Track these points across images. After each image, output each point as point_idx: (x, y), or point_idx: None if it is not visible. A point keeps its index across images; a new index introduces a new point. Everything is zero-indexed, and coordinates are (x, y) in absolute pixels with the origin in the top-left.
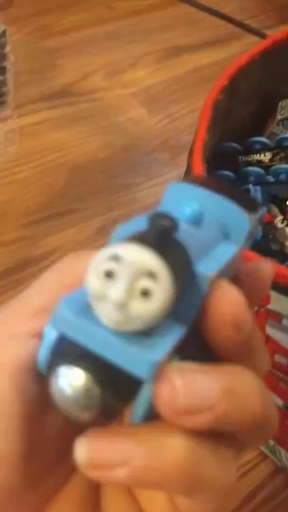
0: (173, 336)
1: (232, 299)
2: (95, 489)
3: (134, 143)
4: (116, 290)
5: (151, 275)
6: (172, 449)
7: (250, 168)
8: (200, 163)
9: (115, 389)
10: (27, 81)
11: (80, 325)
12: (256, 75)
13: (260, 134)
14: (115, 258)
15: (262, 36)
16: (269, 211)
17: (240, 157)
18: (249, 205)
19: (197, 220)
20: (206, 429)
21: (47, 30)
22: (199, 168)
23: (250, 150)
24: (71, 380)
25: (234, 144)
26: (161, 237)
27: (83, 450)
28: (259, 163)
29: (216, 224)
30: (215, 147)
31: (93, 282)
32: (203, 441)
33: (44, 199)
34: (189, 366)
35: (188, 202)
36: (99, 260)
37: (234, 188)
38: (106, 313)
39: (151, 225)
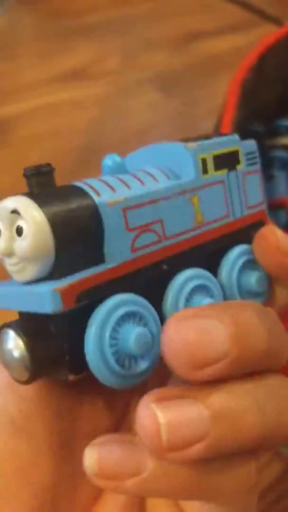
0: (85, 272)
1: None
2: None
3: (149, 128)
4: (0, 243)
5: (18, 214)
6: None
7: (275, 152)
8: None
9: (47, 346)
10: (40, 62)
11: None
12: (282, 56)
13: (284, 118)
14: None
15: (280, 24)
16: None
17: (265, 140)
18: (195, 137)
19: (118, 169)
20: (197, 459)
21: (62, 11)
22: None
23: (275, 134)
24: (2, 341)
25: (258, 127)
26: (31, 182)
27: (93, 460)
28: (284, 147)
29: (158, 170)
30: (239, 128)
31: None
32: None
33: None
34: (171, 392)
35: (113, 155)
36: None
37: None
38: (10, 270)
39: (24, 175)
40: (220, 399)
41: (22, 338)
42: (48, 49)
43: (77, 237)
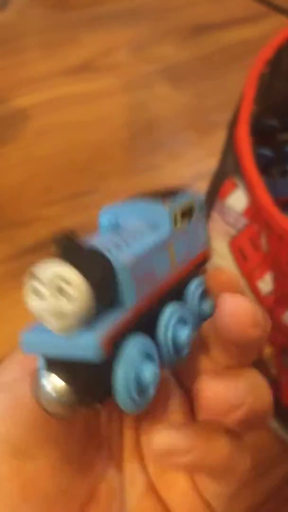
0: (111, 319)
1: None
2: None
3: (159, 122)
4: (43, 303)
5: (64, 280)
6: (220, 444)
7: None
8: (246, 135)
9: (84, 383)
10: (47, 54)
11: (36, 341)
12: None
13: None
14: (34, 277)
15: None
16: None
17: (280, 135)
18: (165, 195)
19: (113, 226)
20: (238, 423)
21: (70, 3)
22: (245, 141)
23: None
24: (44, 382)
25: (273, 121)
26: (64, 248)
27: (161, 442)
28: None
29: (142, 224)
30: (254, 123)
31: (29, 303)
32: (236, 436)
33: (65, 178)
34: (220, 373)
35: (107, 215)
36: (26, 284)
37: (155, 192)
38: (50, 324)
39: (54, 243)
40: (247, 378)
41: (62, 379)
42: (56, 41)
43: (107, 294)
